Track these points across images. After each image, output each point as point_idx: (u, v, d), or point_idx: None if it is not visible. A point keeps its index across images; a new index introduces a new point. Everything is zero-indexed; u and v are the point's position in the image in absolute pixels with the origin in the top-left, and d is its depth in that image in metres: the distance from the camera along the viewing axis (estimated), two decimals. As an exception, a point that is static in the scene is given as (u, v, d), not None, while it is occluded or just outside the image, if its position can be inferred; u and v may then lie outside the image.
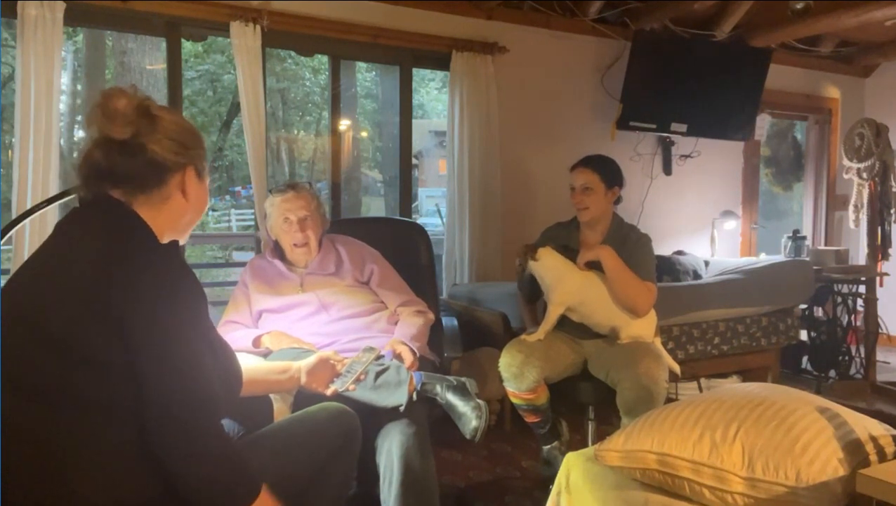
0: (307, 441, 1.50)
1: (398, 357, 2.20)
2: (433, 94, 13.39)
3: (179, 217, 1.37)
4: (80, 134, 8.99)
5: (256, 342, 2.34)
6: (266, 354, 2.27)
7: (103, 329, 1.17)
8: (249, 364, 1.76)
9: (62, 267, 1.23)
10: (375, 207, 10.55)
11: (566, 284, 2.49)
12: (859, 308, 4.44)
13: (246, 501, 1.24)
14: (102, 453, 1.19)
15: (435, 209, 10.47)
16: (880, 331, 4.36)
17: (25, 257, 2.93)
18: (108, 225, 1.27)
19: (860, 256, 4.97)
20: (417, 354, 2.28)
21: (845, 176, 4.45)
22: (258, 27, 3.42)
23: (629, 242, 2.58)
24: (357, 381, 1.97)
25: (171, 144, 1.32)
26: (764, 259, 4.77)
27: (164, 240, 1.34)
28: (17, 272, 1.32)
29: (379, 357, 2.11)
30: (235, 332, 2.39)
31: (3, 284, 1.32)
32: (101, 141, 1.29)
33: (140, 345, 1.18)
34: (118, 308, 1.17)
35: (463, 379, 2.12)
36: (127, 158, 1.28)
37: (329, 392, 1.92)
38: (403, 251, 2.81)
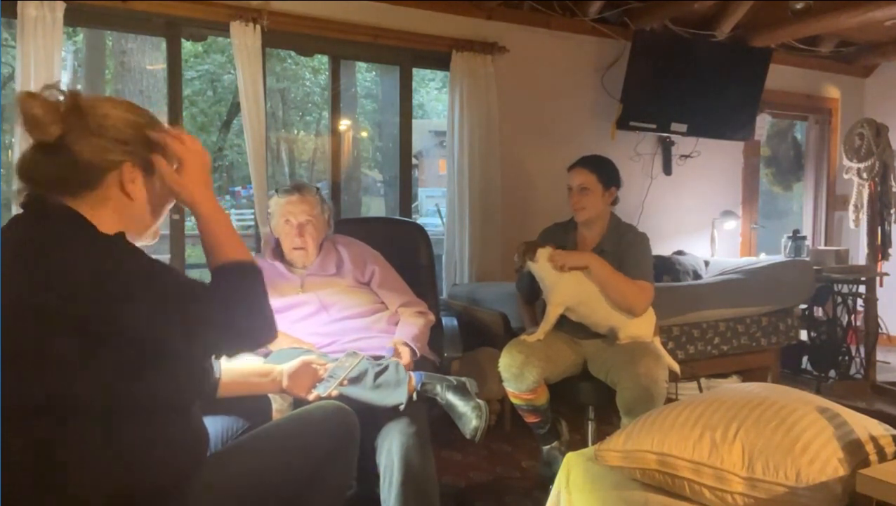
0: (304, 440, 1.49)
1: (396, 355, 2.20)
2: (433, 94, 13.38)
3: (127, 217, 1.28)
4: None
5: None
6: (266, 354, 2.27)
7: (60, 334, 1.13)
8: (234, 365, 1.75)
9: (6, 279, 1.17)
10: (375, 207, 10.54)
11: (565, 285, 2.49)
12: (859, 308, 4.44)
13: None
14: (89, 458, 1.17)
15: (435, 209, 10.47)
16: (880, 331, 4.36)
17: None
18: (46, 229, 1.21)
19: (860, 256, 4.96)
20: (418, 355, 2.28)
21: (845, 176, 4.45)
22: (258, 27, 3.42)
23: (625, 242, 2.59)
24: (340, 386, 1.96)
25: (102, 141, 1.23)
26: (764, 259, 4.78)
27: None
28: None
29: (378, 358, 2.11)
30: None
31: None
32: (31, 145, 1.25)
33: (116, 328, 1.14)
34: (74, 310, 1.13)
35: (463, 379, 2.12)
36: (52, 160, 1.22)
37: (311, 397, 1.92)
38: (403, 251, 2.81)
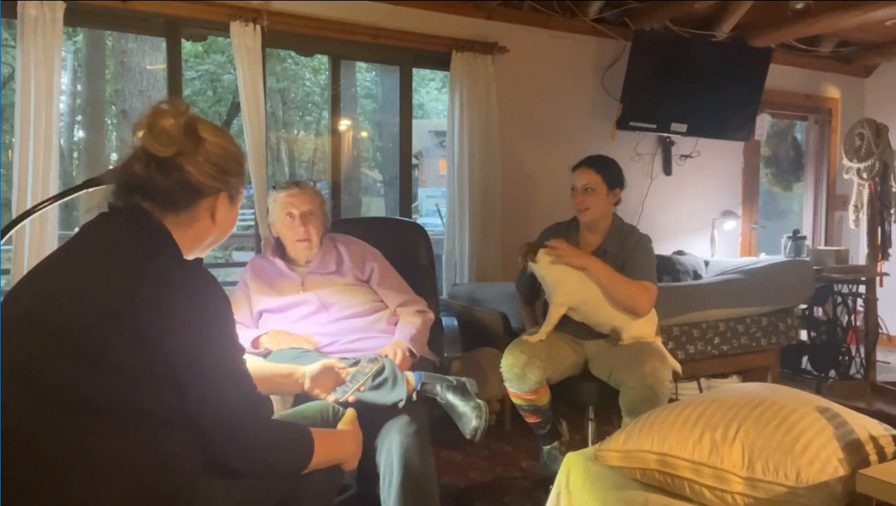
0: None
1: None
2: (433, 94, 13.38)
3: (203, 238, 1.38)
4: (80, 134, 8.98)
5: (255, 343, 2.34)
6: (265, 355, 2.27)
7: (125, 339, 1.18)
8: (256, 363, 1.76)
9: (85, 274, 1.24)
10: (375, 207, 10.55)
11: (568, 285, 2.49)
12: (859, 308, 4.44)
13: (304, 464, 1.38)
14: (111, 458, 1.19)
15: (435, 209, 10.47)
16: (880, 331, 4.36)
17: (25, 257, 2.95)
18: (137, 236, 1.28)
19: (860, 256, 4.97)
20: (418, 356, 2.28)
21: (845, 176, 4.45)
22: (258, 27, 3.42)
23: (628, 243, 2.58)
24: (357, 391, 1.96)
25: (210, 168, 1.32)
26: (764, 259, 4.77)
27: (186, 256, 1.34)
28: (34, 271, 1.32)
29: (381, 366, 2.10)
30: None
31: (8, 284, 1.33)
32: (142, 154, 1.30)
33: (180, 358, 1.20)
34: (147, 322, 1.18)
35: (463, 379, 2.12)
36: (163, 175, 1.29)
37: (331, 399, 1.92)
38: (403, 251, 2.81)
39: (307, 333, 2.35)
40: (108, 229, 1.31)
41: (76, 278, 1.24)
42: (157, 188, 1.30)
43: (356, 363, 2.05)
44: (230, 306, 1.31)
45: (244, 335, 2.36)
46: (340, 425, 1.62)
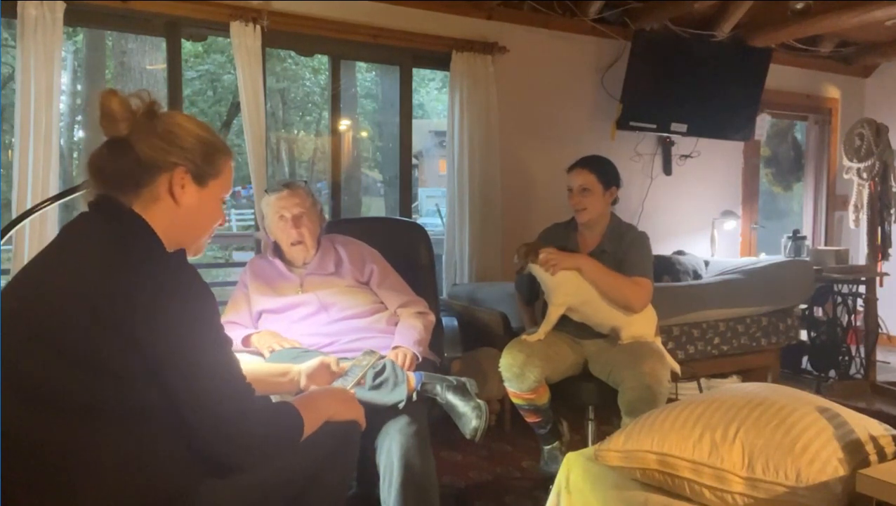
0: (304, 439, 1.49)
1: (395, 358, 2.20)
2: (433, 94, 13.38)
3: (177, 225, 1.33)
4: (80, 134, 8.98)
5: (246, 341, 2.34)
6: (256, 354, 2.26)
7: (112, 339, 1.17)
8: (251, 364, 1.76)
9: (69, 274, 1.23)
10: (375, 207, 10.55)
11: (567, 286, 2.49)
12: (859, 308, 4.44)
13: (298, 441, 1.40)
14: (105, 460, 1.18)
15: (435, 209, 10.47)
16: (880, 331, 4.36)
17: (25, 257, 2.95)
18: (115, 232, 1.26)
19: (860, 256, 4.97)
20: (420, 359, 2.27)
21: (845, 176, 4.45)
22: (258, 27, 3.42)
23: (626, 241, 2.59)
24: (357, 385, 1.97)
25: (158, 141, 1.29)
26: (764, 259, 4.77)
27: (170, 248, 1.32)
28: (19, 274, 1.31)
29: (380, 358, 2.11)
30: (232, 332, 2.39)
31: (4, 286, 1.32)
32: (103, 143, 1.31)
33: (165, 356, 1.19)
34: (131, 320, 1.17)
35: (463, 379, 2.13)
36: (117, 155, 1.29)
37: None
38: (403, 251, 2.81)
39: (306, 333, 2.35)
40: (85, 227, 1.30)
41: (57, 279, 1.23)
42: (113, 171, 1.29)
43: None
44: (212, 298, 1.28)
45: (236, 335, 2.35)
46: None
